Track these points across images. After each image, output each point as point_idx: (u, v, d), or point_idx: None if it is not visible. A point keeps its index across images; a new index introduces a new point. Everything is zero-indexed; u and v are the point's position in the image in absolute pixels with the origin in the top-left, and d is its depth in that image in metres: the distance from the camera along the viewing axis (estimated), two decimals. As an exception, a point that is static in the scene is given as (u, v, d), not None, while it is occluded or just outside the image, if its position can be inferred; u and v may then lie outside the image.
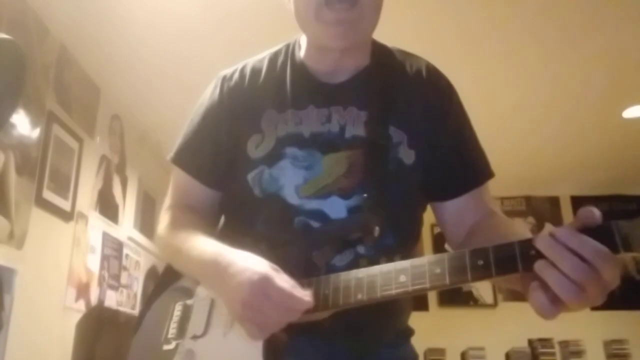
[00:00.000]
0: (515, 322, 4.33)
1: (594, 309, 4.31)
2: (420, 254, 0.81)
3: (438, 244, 4.67)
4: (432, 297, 4.56)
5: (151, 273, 3.65)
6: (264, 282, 0.76)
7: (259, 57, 1.07)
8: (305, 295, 0.76)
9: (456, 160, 0.98)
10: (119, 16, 2.42)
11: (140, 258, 3.51)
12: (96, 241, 2.90)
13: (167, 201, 1.08)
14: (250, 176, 0.95)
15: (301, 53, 1.03)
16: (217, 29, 2.50)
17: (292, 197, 0.92)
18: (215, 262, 0.84)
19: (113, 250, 3.10)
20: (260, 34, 1.95)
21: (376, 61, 1.02)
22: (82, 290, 2.70)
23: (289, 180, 0.93)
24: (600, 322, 4.34)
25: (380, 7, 0.94)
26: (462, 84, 1.05)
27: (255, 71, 1.04)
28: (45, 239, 2.38)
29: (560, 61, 2.85)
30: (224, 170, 1.00)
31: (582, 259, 0.60)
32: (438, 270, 0.69)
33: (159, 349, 0.94)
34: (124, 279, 3.22)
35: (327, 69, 0.99)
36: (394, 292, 0.73)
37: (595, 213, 0.62)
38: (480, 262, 0.67)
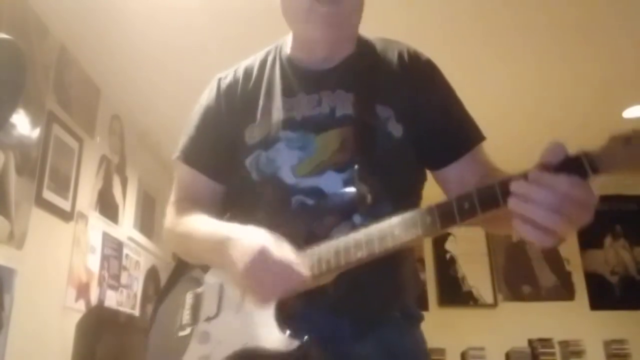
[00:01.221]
0: (515, 322, 4.33)
1: (594, 309, 4.26)
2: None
3: (438, 244, 4.68)
4: (432, 297, 4.56)
5: (151, 273, 3.65)
6: (263, 254, 0.83)
7: (251, 58, 1.16)
8: (301, 267, 0.82)
9: (445, 127, 1.03)
10: (119, 16, 2.42)
11: (140, 258, 3.51)
12: (96, 241, 2.90)
13: (172, 197, 1.13)
14: (248, 161, 1.01)
15: (288, 50, 1.10)
16: (218, 24, 2.49)
17: (288, 177, 0.97)
18: (219, 238, 0.91)
19: (113, 250, 3.10)
20: (261, 28, 1.94)
21: (360, 49, 1.08)
22: (82, 290, 2.70)
23: (285, 161, 0.98)
24: (600, 322, 4.34)
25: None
26: (459, 84, 1.08)
27: (248, 70, 1.12)
28: (45, 239, 2.38)
29: (559, 61, 2.85)
30: (227, 162, 1.06)
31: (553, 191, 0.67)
32: (429, 219, 0.77)
33: (175, 337, 0.98)
34: (124, 279, 3.22)
35: (315, 61, 1.06)
36: (390, 244, 0.79)
37: (561, 147, 0.70)
38: (466, 205, 0.74)
